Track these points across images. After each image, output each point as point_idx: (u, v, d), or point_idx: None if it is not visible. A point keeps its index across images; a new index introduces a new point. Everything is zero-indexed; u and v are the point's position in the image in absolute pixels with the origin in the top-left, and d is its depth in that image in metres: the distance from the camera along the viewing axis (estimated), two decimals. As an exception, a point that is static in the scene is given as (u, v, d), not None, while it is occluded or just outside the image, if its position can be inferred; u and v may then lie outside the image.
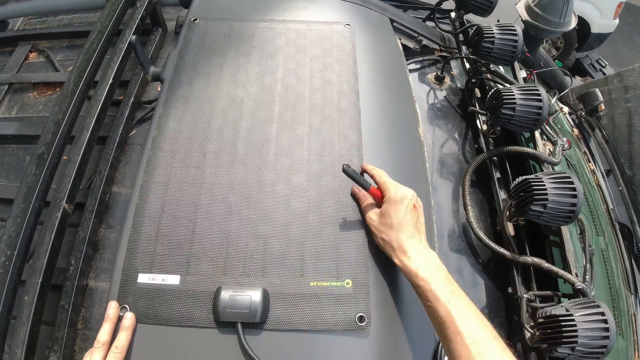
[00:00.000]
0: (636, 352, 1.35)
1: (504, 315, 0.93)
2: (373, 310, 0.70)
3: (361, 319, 0.69)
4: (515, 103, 0.92)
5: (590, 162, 1.50)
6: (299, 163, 0.81)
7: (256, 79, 0.93)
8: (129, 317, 0.71)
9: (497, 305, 0.93)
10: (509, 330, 0.92)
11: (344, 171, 0.72)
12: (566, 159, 1.35)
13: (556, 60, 4.01)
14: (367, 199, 0.78)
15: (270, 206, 0.77)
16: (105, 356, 0.69)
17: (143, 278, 0.73)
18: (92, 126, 0.88)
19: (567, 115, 1.59)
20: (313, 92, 0.91)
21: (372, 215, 0.75)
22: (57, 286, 0.86)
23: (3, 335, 0.74)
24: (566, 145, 1.07)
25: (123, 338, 0.70)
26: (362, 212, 0.78)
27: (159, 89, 1.06)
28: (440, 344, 0.77)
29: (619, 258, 1.41)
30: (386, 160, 0.85)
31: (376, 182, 0.77)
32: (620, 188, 1.48)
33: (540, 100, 0.92)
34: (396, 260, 0.70)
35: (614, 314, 1.34)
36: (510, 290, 0.92)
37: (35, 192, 0.81)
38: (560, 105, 1.59)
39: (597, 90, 1.53)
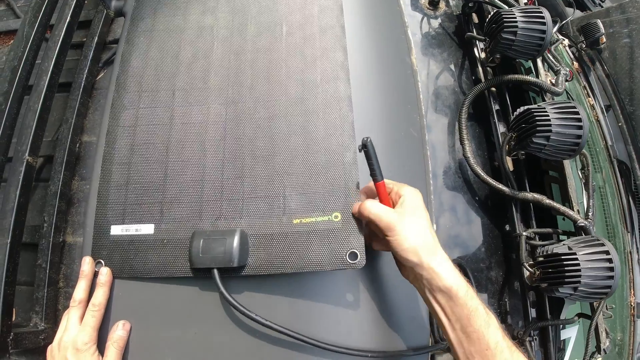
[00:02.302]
0: (631, 290, 1.33)
1: (501, 254, 0.87)
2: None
3: (353, 255, 0.61)
4: (517, 26, 0.81)
5: (589, 96, 1.40)
6: (278, 90, 0.71)
7: (227, 2, 0.80)
8: (104, 273, 0.65)
9: (495, 243, 0.87)
10: (507, 269, 0.87)
11: (364, 145, 0.57)
12: (567, 92, 1.25)
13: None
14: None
15: (248, 140, 0.68)
16: (83, 315, 0.64)
17: (116, 230, 0.66)
18: (51, 69, 0.78)
19: (567, 48, 1.47)
20: (291, 12, 0.78)
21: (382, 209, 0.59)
22: (32, 245, 0.80)
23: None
24: (568, 75, 0.97)
25: (100, 295, 0.64)
26: (366, 209, 0.60)
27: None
28: None
29: (617, 195, 1.35)
30: (375, 89, 0.75)
31: (372, 220, 0.59)
32: (620, 124, 1.39)
33: (544, 24, 0.81)
34: (421, 274, 0.56)
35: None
36: (507, 227, 0.86)
37: (-5, 145, 0.72)
38: (561, 37, 1.47)
39: (599, 22, 1.40)
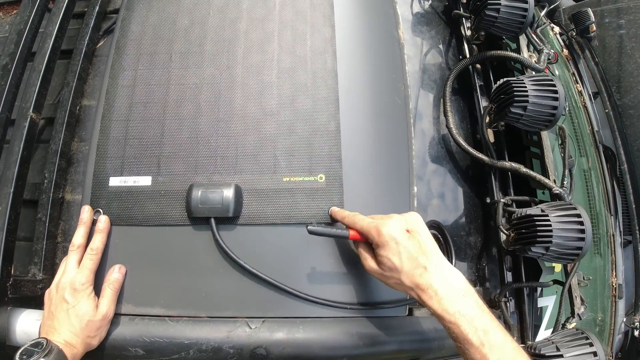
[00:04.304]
0: (613, 272, 1.40)
1: (480, 222, 0.94)
2: (346, 203, 0.70)
3: (335, 212, 0.69)
4: (499, 3, 0.87)
5: (578, 83, 1.47)
6: (270, 59, 0.78)
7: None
8: (102, 220, 0.71)
9: (475, 211, 0.94)
10: (485, 235, 0.94)
11: (310, 232, 0.64)
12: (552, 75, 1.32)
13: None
14: (358, 242, 0.67)
15: (241, 103, 0.75)
16: (81, 259, 0.69)
17: (114, 181, 0.72)
18: (54, 34, 0.84)
19: (558, 36, 1.54)
20: None
21: (372, 264, 0.64)
22: (32, 201, 0.85)
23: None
24: (552, 56, 1.04)
25: (98, 240, 0.70)
26: (361, 260, 0.66)
27: None
28: None
29: (601, 180, 1.42)
30: (362, 59, 0.81)
31: (356, 229, 0.65)
32: (606, 111, 1.46)
33: (526, 2, 0.88)
34: (417, 298, 0.60)
35: (594, 233, 1.37)
36: (488, 200, 0.93)
37: (2, 102, 0.78)
38: (552, 24, 1.54)
39: (590, 10, 1.47)
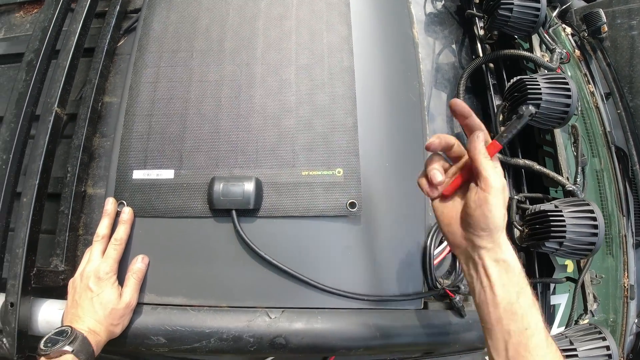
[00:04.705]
0: (625, 272, 1.41)
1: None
2: (364, 197, 0.72)
3: (352, 205, 0.71)
4: (512, 3, 0.89)
5: (590, 83, 1.49)
6: (288, 57, 0.80)
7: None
8: (126, 212, 0.74)
9: (488, 208, 0.95)
10: (499, 232, 0.95)
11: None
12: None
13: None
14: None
15: (260, 99, 0.77)
16: (105, 249, 0.72)
17: (138, 174, 0.75)
18: (78, 31, 0.87)
19: (570, 37, 1.55)
20: None
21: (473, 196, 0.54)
22: (55, 195, 0.88)
23: (3, 238, 0.76)
24: (564, 56, 1.05)
25: (122, 231, 0.72)
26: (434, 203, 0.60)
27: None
28: (433, 229, 0.80)
29: (613, 180, 1.43)
30: (378, 57, 0.83)
31: (471, 156, 0.54)
32: (618, 112, 1.47)
33: (538, 1, 0.90)
34: (487, 255, 0.54)
35: (606, 234, 1.38)
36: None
37: (27, 97, 0.81)
38: (563, 25, 1.55)
39: (601, 11, 1.49)
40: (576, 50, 1.53)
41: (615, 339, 1.37)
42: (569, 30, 1.56)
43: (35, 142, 0.80)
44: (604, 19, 1.47)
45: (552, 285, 1.00)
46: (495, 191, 0.52)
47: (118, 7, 0.98)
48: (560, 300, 1.01)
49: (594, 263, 1.14)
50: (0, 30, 1.18)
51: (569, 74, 1.47)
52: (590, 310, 0.92)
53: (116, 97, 0.94)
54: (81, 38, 0.87)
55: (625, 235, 1.39)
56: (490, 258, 0.53)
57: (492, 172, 0.52)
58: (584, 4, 1.68)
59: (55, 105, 0.81)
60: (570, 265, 1.00)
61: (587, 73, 1.50)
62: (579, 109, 1.35)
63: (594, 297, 0.95)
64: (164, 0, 0.87)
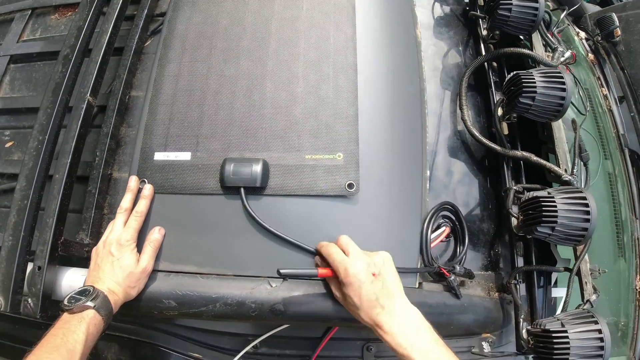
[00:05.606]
0: (637, 275, 1.41)
1: (494, 210, 1.01)
2: (362, 179, 0.79)
3: (350, 185, 0.79)
4: (511, 4, 0.96)
5: (603, 87, 1.52)
6: (297, 53, 0.90)
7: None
8: (147, 188, 0.83)
9: (488, 199, 1.01)
10: (499, 222, 1.00)
11: (280, 274, 0.70)
12: (577, 81, 1.37)
13: None
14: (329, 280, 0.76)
15: (271, 91, 0.87)
16: (127, 220, 0.81)
17: (159, 156, 0.85)
18: (110, 30, 0.99)
19: (584, 41, 1.59)
20: None
21: (339, 297, 0.73)
22: (85, 177, 0.99)
23: (36, 210, 0.86)
24: (569, 56, 1.10)
25: (143, 205, 0.82)
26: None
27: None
28: (430, 214, 0.86)
29: (627, 183, 1.44)
30: (380, 55, 0.92)
31: (329, 263, 0.73)
32: (632, 114, 1.49)
33: (536, 1, 0.96)
34: (377, 334, 0.69)
35: (617, 235, 1.40)
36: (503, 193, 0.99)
37: (62, 86, 0.93)
38: (577, 29, 1.60)
39: (614, 15, 1.52)
40: (590, 55, 1.57)
41: (626, 343, 1.37)
42: (582, 34, 1.60)
43: (68, 126, 0.90)
44: (617, 22, 1.51)
45: (553, 278, 1.03)
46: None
47: (146, 10, 1.10)
48: (562, 293, 1.04)
49: (604, 264, 1.16)
50: (37, 31, 1.33)
51: (582, 77, 1.51)
52: (589, 300, 0.95)
53: (142, 92, 1.05)
54: (112, 37, 0.99)
55: (638, 238, 1.40)
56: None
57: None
58: (598, 9, 1.72)
59: (88, 95, 0.92)
60: (573, 260, 1.04)
61: (601, 76, 1.54)
62: (589, 109, 1.38)
63: (594, 288, 0.97)
64: (188, 4, 0.98)
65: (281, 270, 0.69)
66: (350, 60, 0.89)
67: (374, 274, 0.70)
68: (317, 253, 0.76)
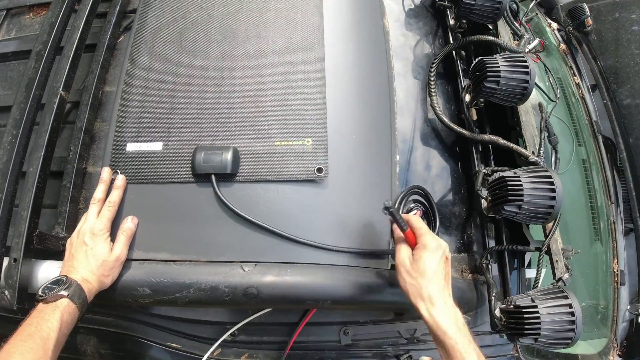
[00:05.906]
0: (615, 258, 1.45)
1: (465, 193, 1.03)
2: (331, 164, 0.82)
3: (319, 170, 0.81)
4: (475, -8, 0.99)
5: (575, 75, 1.56)
6: (266, 44, 0.92)
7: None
8: (120, 178, 0.85)
9: (460, 183, 1.04)
10: (470, 206, 1.03)
11: (386, 208, 0.71)
12: (548, 70, 1.41)
13: None
14: (401, 239, 0.77)
15: (240, 80, 0.88)
16: (100, 211, 0.83)
17: (131, 147, 0.86)
18: (81, 26, 1.00)
19: (556, 32, 1.64)
20: None
21: (405, 257, 0.74)
22: (59, 173, 1.00)
23: (11, 202, 0.87)
24: (537, 44, 1.14)
25: (115, 195, 0.83)
26: (396, 251, 0.77)
27: None
28: (400, 197, 0.88)
29: (601, 169, 1.48)
30: (347, 43, 0.94)
31: (412, 227, 0.76)
32: (604, 101, 1.53)
33: (500, -11, 0.99)
34: (422, 311, 0.70)
35: (594, 219, 1.43)
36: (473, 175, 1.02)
37: (35, 82, 0.93)
38: (549, 20, 1.64)
39: (585, 5, 1.57)
40: (562, 45, 1.61)
41: (607, 325, 1.40)
42: (555, 25, 1.65)
43: (41, 120, 0.91)
44: (588, 12, 1.55)
45: (527, 259, 1.06)
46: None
47: (118, 7, 1.12)
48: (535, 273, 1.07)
49: (582, 249, 1.19)
50: (12, 31, 1.34)
51: (555, 66, 1.55)
52: (562, 279, 0.97)
53: (115, 87, 1.06)
54: (84, 33, 1.00)
55: (614, 222, 1.44)
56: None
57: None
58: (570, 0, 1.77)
59: (60, 89, 0.93)
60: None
61: (573, 66, 1.58)
62: (562, 98, 1.42)
63: (566, 267, 1.00)
64: (158, -2, 1.00)
65: (386, 203, 0.70)
66: (318, 48, 0.91)
67: (447, 258, 0.75)
68: (395, 221, 0.75)
